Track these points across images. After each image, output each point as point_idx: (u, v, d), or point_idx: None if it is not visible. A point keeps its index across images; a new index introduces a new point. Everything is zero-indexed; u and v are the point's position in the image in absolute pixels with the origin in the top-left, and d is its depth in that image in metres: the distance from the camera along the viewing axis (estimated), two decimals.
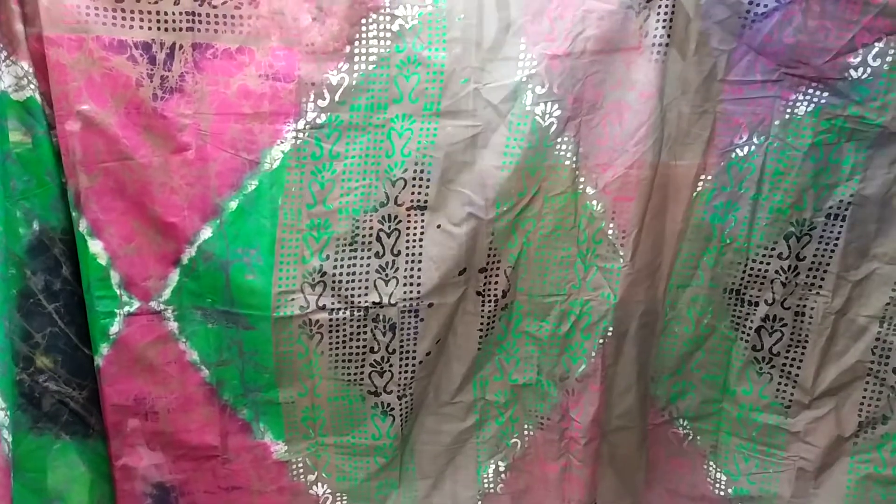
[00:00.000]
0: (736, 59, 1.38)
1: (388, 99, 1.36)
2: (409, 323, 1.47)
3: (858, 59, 1.33)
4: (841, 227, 1.44)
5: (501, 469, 1.61)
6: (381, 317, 1.46)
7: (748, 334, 1.53)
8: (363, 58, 1.33)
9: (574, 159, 1.43)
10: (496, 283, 1.49)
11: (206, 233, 1.34)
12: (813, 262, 1.47)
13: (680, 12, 1.35)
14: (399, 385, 1.50)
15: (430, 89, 1.36)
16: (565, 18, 1.36)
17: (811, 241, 1.46)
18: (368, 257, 1.42)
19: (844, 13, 1.31)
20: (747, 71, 1.39)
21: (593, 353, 1.52)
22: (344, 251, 1.41)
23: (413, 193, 1.41)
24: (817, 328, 1.49)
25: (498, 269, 1.48)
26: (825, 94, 1.37)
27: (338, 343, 1.46)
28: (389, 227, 1.42)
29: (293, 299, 1.40)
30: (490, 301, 1.50)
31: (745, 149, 1.43)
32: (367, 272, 1.43)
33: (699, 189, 1.47)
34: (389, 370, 1.49)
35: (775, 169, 1.43)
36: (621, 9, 1.35)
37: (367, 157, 1.38)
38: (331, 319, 1.43)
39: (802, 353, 1.51)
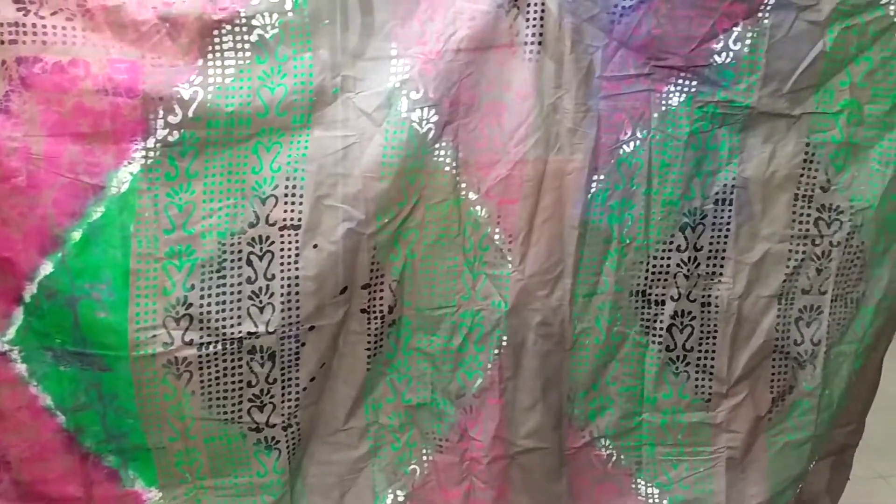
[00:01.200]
0: (609, 55, 1.37)
1: (251, 113, 1.25)
2: (290, 349, 1.36)
3: (721, 44, 1.36)
4: (730, 211, 1.45)
5: (400, 499, 1.50)
6: (257, 347, 1.34)
7: (660, 336, 1.50)
8: (219, 70, 1.23)
9: (454, 164, 1.37)
10: (381, 298, 1.40)
11: (47, 267, 1.21)
12: (710, 251, 1.47)
13: (549, 10, 1.31)
14: (283, 416, 1.39)
15: (298, 100, 1.27)
16: (435, 21, 1.29)
17: (705, 230, 1.46)
18: (239, 283, 1.30)
19: (704, 1, 1.33)
20: (621, 66, 1.37)
21: (489, 366, 1.44)
22: (211, 279, 1.28)
23: (286, 211, 1.30)
24: (724, 316, 1.49)
25: (382, 283, 1.40)
26: (694, 82, 1.39)
27: (210, 381, 1.33)
28: (261, 248, 1.31)
29: (154, 336, 1.27)
30: (376, 318, 1.41)
31: (631, 144, 1.42)
32: (239, 300, 1.31)
33: (593, 190, 1.41)
34: (270, 402, 1.38)
35: (661, 161, 1.42)
36: (492, 8, 1.29)
37: (231, 174, 1.27)
38: (200, 356, 1.30)
39: (714, 344, 1.51)
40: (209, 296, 1.29)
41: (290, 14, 1.23)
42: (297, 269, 1.32)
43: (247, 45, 1.23)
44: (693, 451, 1.55)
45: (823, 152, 1.43)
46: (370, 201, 1.32)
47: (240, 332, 1.32)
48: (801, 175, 1.44)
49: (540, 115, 1.36)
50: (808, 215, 1.45)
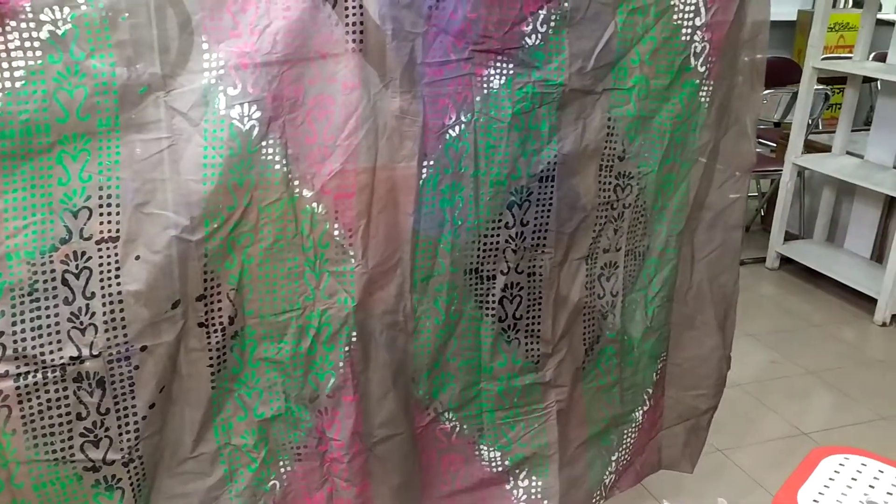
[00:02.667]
0: (429, 41, 1.35)
1: (49, 119, 1.12)
2: (121, 374, 1.24)
3: (530, 27, 1.40)
4: (552, 187, 1.51)
5: None
6: (83, 374, 1.21)
7: (493, 308, 1.54)
8: (7, 74, 1.08)
9: (284, 162, 1.30)
10: (220, 309, 1.31)
11: None
12: (535, 225, 1.53)
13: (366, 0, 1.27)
14: (122, 450, 1.27)
15: (102, 102, 1.15)
16: (248, 11, 1.20)
17: (531, 206, 1.51)
18: (56, 306, 1.18)
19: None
20: (442, 52, 1.37)
21: (341, 364, 1.39)
22: (23, 303, 1.15)
23: (101, 223, 1.19)
24: (547, 282, 1.57)
25: (219, 293, 1.31)
26: (511, 64, 1.41)
27: (33, 415, 1.19)
28: (77, 266, 1.19)
29: None
30: (216, 331, 1.32)
31: (456, 129, 1.42)
32: (57, 323, 1.18)
33: (424, 176, 1.40)
34: (106, 435, 1.25)
35: (486, 143, 1.44)
36: None
37: (34, 188, 1.13)
38: (18, 387, 1.16)
39: (540, 310, 1.58)
40: (22, 321, 1.16)
41: (83, 7, 1.10)
42: (118, 283, 1.21)
43: (36, 44, 1.09)
44: (528, 411, 1.62)
45: (621, 125, 1.54)
46: (194, 206, 1.23)
47: (61, 357, 1.19)
48: (605, 147, 1.54)
49: (368, 105, 1.31)
50: (609, 183, 1.57)
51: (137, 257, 1.22)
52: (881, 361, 3.04)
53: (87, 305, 1.20)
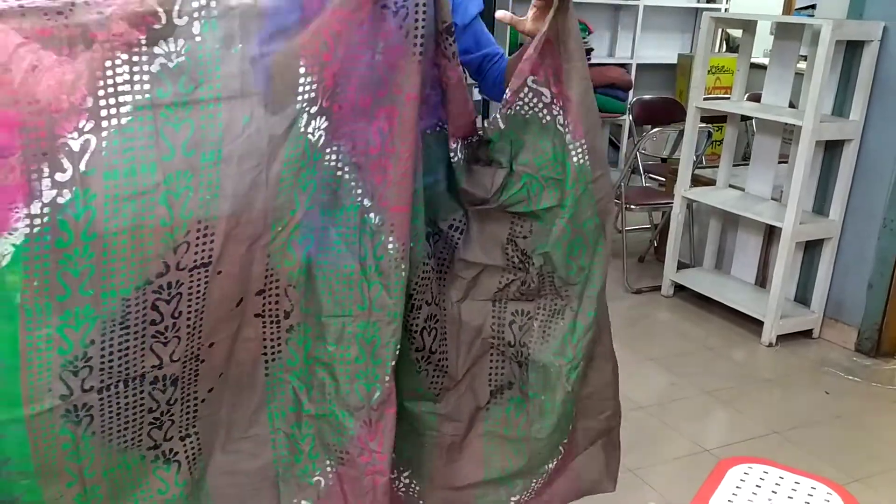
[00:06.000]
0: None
1: (155, 157, 1.09)
2: (191, 369, 1.27)
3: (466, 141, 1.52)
4: (459, 235, 1.56)
5: None
6: (160, 377, 1.22)
7: (415, 338, 1.52)
8: (114, 110, 1.05)
9: (347, 170, 1.31)
10: (276, 303, 1.33)
11: None
12: (440, 260, 1.56)
13: (440, 9, 1.31)
14: (181, 428, 1.29)
15: (207, 137, 1.12)
16: (342, 33, 1.22)
17: (439, 241, 1.55)
18: (144, 327, 1.17)
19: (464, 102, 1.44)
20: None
21: (386, 378, 1.39)
22: (113, 332, 1.14)
23: (197, 254, 1.18)
24: (450, 317, 1.58)
25: (277, 288, 1.32)
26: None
27: (111, 417, 1.19)
28: (169, 294, 1.18)
29: (51, 390, 1.12)
30: (271, 322, 1.34)
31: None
32: (143, 341, 1.18)
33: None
34: (170, 419, 1.27)
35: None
36: (377, 8, 1.23)
37: (136, 230, 1.10)
38: (101, 399, 1.17)
39: (444, 343, 1.59)
40: (110, 346, 1.14)
41: (197, 38, 1.09)
42: (204, 300, 1.23)
43: (146, 77, 1.06)
44: (421, 432, 1.61)
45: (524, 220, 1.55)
46: (268, 215, 1.25)
47: (143, 367, 1.20)
48: (512, 223, 1.55)
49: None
50: (515, 253, 1.56)
51: (219, 272, 1.23)
52: (769, 380, 3.25)
53: (174, 324, 1.21)
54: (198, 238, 1.17)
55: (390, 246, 1.35)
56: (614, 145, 6.38)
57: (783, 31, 3.65)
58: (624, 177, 4.16)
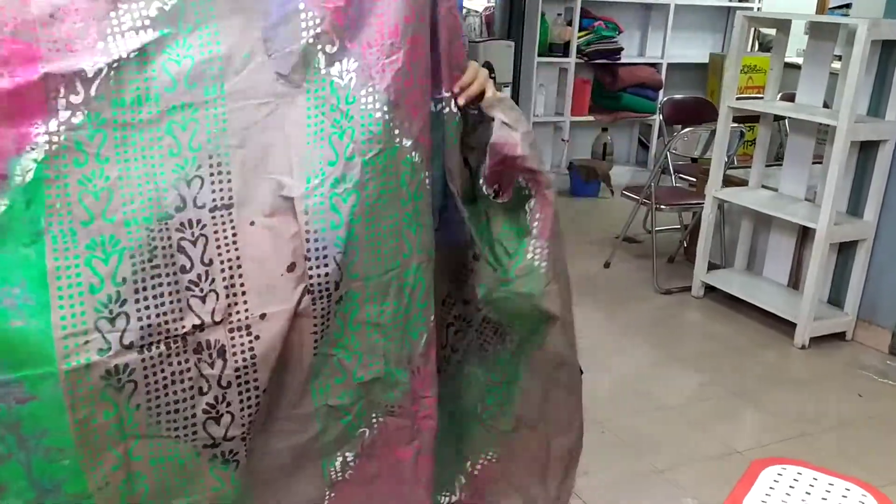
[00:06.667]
0: None
1: (158, 89, 1.15)
2: (242, 344, 1.21)
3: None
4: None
5: (349, 459, 1.40)
6: (204, 343, 1.19)
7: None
8: (123, 53, 1.12)
9: (385, 110, 1.26)
10: (326, 275, 1.26)
11: None
12: None
13: None
14: (242, 426, 1.24)
15: (207, 71, 1.17)
16: None
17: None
18: (174, 273, 1.17)
19: (455, 52, 1.38)
20: None
21: (432, 319, 1.38)
22: (144, 269, 1.14)
23: (213, 192, 1.19)
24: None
25: (325, 257, 1.25)
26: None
27: (158, 390, 1.17)
28: (192, 234, 1.18)
29: (87, 342, 1.09)
30: (322, 297, 1.27)
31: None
32: (178, 290, 1.17)
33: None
34: (228, 412, 1.22)
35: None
36: None
37: (146, 157, 1.15)
38: (143, 359, 1.14)
39: None
40: (144, 289, 1.15)
41: None
42: (236, 249, 1.20)
43: (147, 21, 1.13)
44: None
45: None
46: (297, 165, 1.23)
47: (183, 326, 1.17)
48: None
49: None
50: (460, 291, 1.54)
51: (252, 223, 1.21)
52: (801, 382, 3.22)
53: (207, 272, 1.19)
54: (211, 174, 1.19)
55: (427, 182, 1.34)
56: (644, 145, 6.35)
57: (818, 31, 3.61)
58: (654, 177, 4.15)
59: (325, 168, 1.24)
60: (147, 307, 1.16)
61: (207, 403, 1.22)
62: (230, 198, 1.20)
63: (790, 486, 1.53)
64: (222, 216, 1.20)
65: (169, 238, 1.17)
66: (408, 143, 1.30)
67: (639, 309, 3.85)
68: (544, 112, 5.68)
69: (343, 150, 1.25)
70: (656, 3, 5.92)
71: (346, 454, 1.40)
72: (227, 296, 1.20)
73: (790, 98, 3.82)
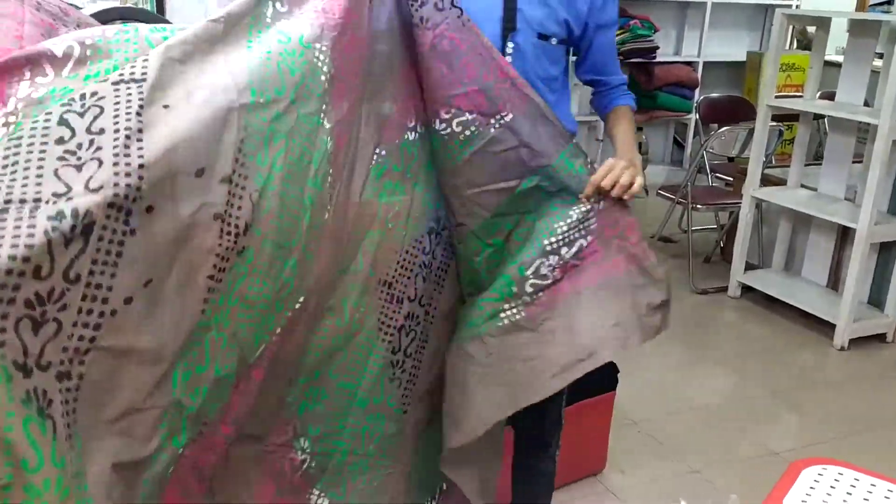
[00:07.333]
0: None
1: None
2: (112, 230, 0.90)
3: (448, 115, 1.38)
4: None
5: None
6: (66, 212, 0.87)
7: (390, 335, 1.41)
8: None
9: (328, 76, 1.18)
10: (240, 208, 1.05)
11: None
12: (442, 260, 1.49)
13: None
14: (64, 352, 0.89)
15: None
16: None
17: (441, 242, 1.48)
18: (44, 148, 0.92)
19: (461, 71, 1.35)
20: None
21: (277, 333, 1.20)
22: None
23: (127, 68, 0.99)
24: (439, 325, 1.49)
25: (244, 188, 1.06)
26: (421, 129, 1.42)
27: None
28: (82, 105, 0.95)
29: None
30: (229, 233, 1.04)
31: (412, 134, 1.41)
32: (42, 160, 0.91)
33: (373, 163, 1.35)
34: (55, 320, 0.87)
35: (427, 163, 1.43)
36: None
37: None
38: None
39: (422, 353, 1.49)
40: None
41: None
42: (139, 122, 0.95)
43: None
44: (377, 464, 1.45)
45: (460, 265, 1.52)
46: (241, 73, 1.07)
47: (39, 193, 0.87)
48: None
49: (384, 56, 1.32)
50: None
51: (165, 106, 0.99)
52: (840, 383, 3.18)
53: (92, 140, 0.93)
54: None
55: (329, 178, 1.25)
56: (679, 144, 6.30)
57: (859, 28, 3.56)
58: (690, 176, 4.12)
59: (271, 92, 1.10)
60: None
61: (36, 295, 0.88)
62: (143, 73, 1.00)
63: (831, 487, 1.52)
64: (129, 88, 0.98)
65: (48, 114, 0.95)
66: (328, 125, 1.20)
67: (674, 309, 3.77)
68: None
69: (291, 88, 1.13)
70: (693, 1, 5.87)
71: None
72: (115, 164, 0.92)
73: (829, 96, 3.77)
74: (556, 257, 1.42)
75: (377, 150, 1.35)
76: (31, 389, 0.85)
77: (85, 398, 0.92)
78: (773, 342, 3.48)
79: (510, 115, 1.39)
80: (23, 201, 0.85)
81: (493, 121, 1.39)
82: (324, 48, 1.17)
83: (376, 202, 1.34)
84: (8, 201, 0.85)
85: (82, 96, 0.96)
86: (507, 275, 1.44)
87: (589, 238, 1.42)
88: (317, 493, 1.39)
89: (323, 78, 1.17)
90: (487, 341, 1.42)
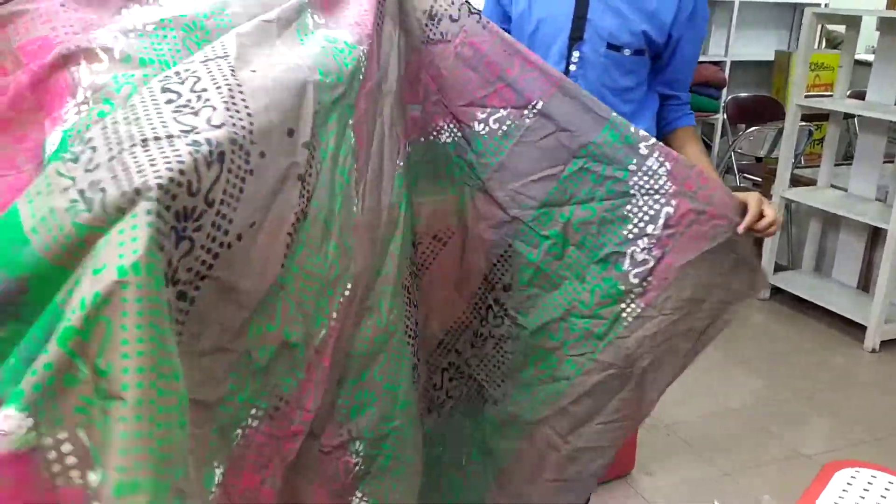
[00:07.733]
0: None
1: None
2: (238, 166, 0.93)
3: (484, 115, 1.41)
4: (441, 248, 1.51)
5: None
6: (202, 140, 0.90)
7: (413, 338, 1.42)
8: (137, 22, 1.09)
9: (360, 80, 1.21)
10: (310, 175, 1.07)
11: None
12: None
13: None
14: (188, 274, 0.90)
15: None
16: None
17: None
18: (158, 107, 0.94)
19: (485, 71, 1.39)
20: (420, 83, 1.41)
21: (334, 318, 1.21)
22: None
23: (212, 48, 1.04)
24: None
25: (314, 158, 1.08)
26: (458, 133, 1.44)
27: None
28: (179, 77, 0.98)
29: None
30: (303, 196, 1.06)
31: (422, 143, 1.44)
32: (160, 113, 0.93)
33: (398, 168, 1.36)
34: (189, 238, 0.89)
35: (427, 173, 1.45)
36: None
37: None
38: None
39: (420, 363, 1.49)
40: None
41: None
42: (237, 81, 0.98)
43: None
44: (413, 471, 1.45)
45: (517, 261, 1.47)
46: (307, 56, 1.11)
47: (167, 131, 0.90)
48: (495, 264, 1.48)
49: (396, 51, 1.34)
50: (484, 300, 1.51)
51: (254, 70, 1.02)
52: (871, 385, 3.15)
53: (200, 95, 0.96)
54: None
55: (354, 175, 1.24)
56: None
57: (889, 27, 3.52)
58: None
59: (333, 75, 1.13)
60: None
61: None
62: (224, 52, 1.03)
63: (864, 490, 1.51)
64: (218, 63, 1.01)
65: (151, 89, 0.97)
66: (351, 121, 1.20)
67: None
68: None
69: (346, 78, 1.16)
70: (720, 0, 5.83)
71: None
72: (227, 108, 0.95)
73: (859, 96, 3.73)
74: (646, 238, 1.41)
75: (398, 161, 1.38)
76: (166, 300, 0.88)
77: (191, 323, 0.93)
78: (803, 344, 3.45)
79: (541, 103, 1.40)
80: (157, 138, 0.89)
81: (525, 111, 1.40)
82: (362, 53, 1.21)
83: (396, 206, 1.36)
84: (144, 140, 0.89)
85: (176, 73, 0.99)
86: (608, 278, 1.44)
87: (673, 202, 1.40)
88: (359, 495, 1.37)
89: (361, 77, 1.21)
90: (620, 343, 1.44)
